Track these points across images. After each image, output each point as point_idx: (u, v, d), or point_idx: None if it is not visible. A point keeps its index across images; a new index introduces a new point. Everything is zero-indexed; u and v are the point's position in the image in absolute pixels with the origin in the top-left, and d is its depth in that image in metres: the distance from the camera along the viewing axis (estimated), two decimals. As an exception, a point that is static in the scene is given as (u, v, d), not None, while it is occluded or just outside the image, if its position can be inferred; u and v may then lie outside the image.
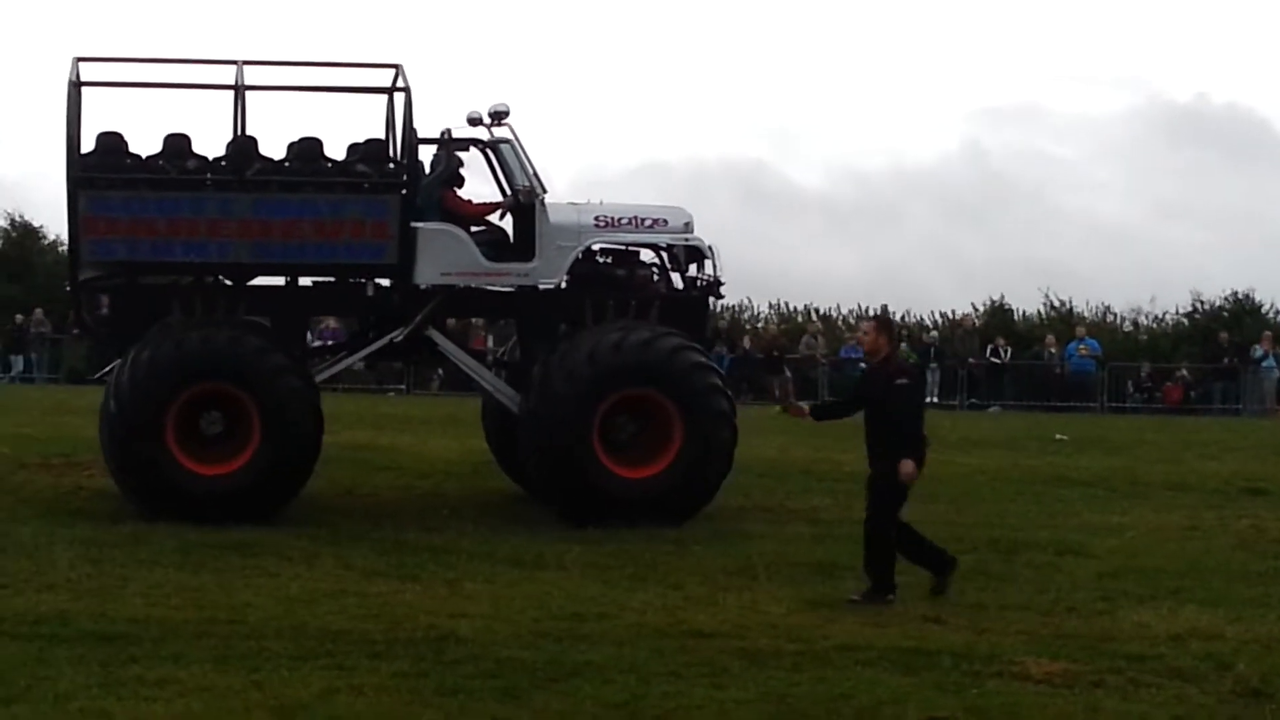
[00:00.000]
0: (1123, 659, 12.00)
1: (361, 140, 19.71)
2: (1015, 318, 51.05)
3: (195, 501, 18.10)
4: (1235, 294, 50.19)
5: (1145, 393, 44.09)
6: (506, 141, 19.94)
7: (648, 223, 20.22)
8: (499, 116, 19.52)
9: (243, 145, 19.11)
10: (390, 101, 19.84)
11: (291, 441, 18.46)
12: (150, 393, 18.29)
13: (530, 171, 19.70)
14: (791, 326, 51.45)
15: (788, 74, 75.66)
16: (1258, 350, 43.22)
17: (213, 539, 16.62)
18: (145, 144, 19.26)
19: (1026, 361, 45.43)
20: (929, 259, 65.46)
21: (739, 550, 16.79)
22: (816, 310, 54.17)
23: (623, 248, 20.35)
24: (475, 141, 20.30)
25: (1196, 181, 67.68)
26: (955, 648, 12.20)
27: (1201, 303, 50.44)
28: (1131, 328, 51.40)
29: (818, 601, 14.10)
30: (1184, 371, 44.19)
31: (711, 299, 20.60)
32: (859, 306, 52.32)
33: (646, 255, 20.62)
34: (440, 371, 38.95)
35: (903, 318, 50.25)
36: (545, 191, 19.78)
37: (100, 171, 18.86)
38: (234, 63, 19.15)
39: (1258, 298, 50.13)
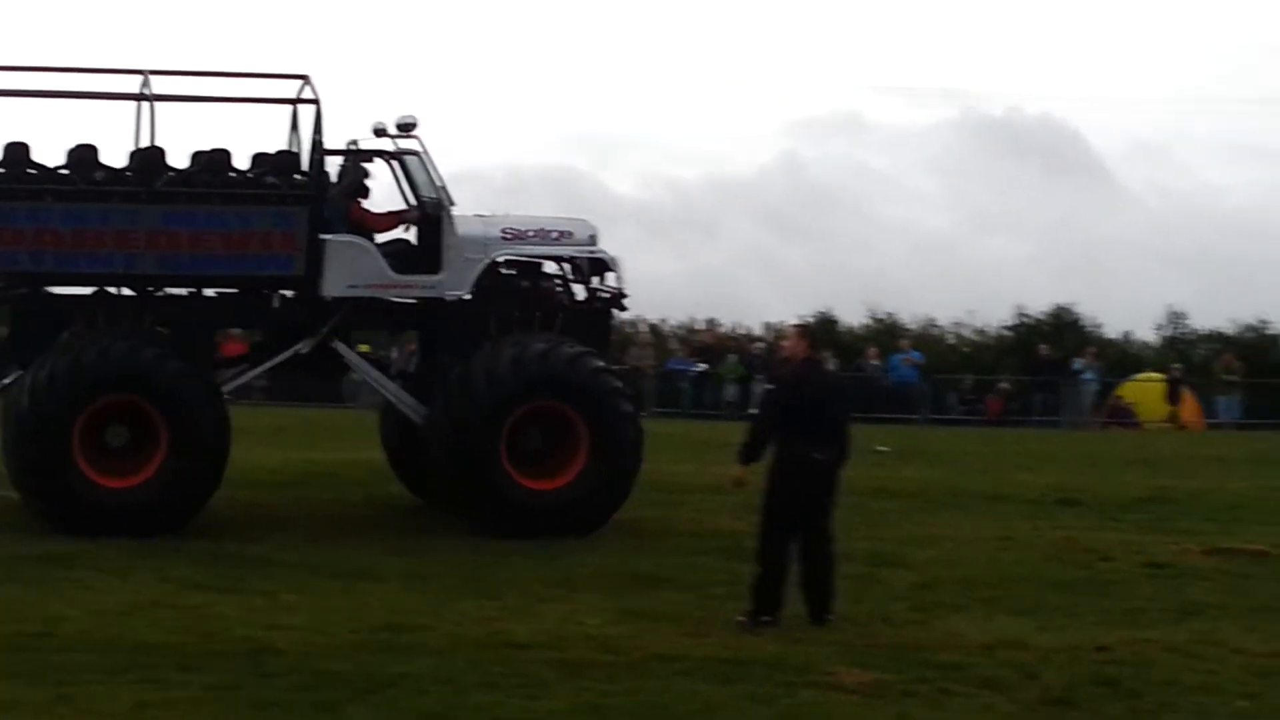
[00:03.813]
0: (934, 668, 12.17)
1: (264, 151, 19.57)
2: (839, 329, 51.45)
3: (101, 515, 17.89)
4: (1056, 307, 50.96)
5: (967, 404, 44.60)
6: (414, 153, 19.83)
7: (554, 235, 20.24)
8: (407, 128, 19.43)
9: (151, 156, 18.92)
10: (294, 113, 19.71)
11: (198, 454, 18.31)
12: (57, 404, 18.08)
13: (438, 183, 19.62)
14: (618, 337, 51.45)
15: (603, 82, 75.85)
16: (1078, 363, 43.93)
17: (31, 550, 16.44)
18: (49, 154, 19.18)
19: (850, 373, 45.83)
20: (751, 270, 65.72)
21: (559, 562, 16.82)
22: (645, 321, 54.27)
23: (526, 259, 20.34)
24: (382, 153, 20.20)
25: (1014, 194, 68.58)
26: (769, 658, 12.32)
27: (1023, 315, 51.15)
28: (954, 340, 52.01)
29: (636, 612, 14.16)
30: (1005, 383, 44.78)
31: (615, 310, 20.72)
32: (689, 318, 52.44)
33: (549, 267, 20.65)
34: (265, 382, 38.56)
35: (732, 329, 50.47)
36: (453, 203, 19.70)
37: (6, 182, 18.66)
38: (140, 72, 19.03)
39: (1078, 310, 50.95)
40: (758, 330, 51.24)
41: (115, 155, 19.08)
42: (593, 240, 20.38)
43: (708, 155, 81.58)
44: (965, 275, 62.45)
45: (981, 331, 52.11)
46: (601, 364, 19.37)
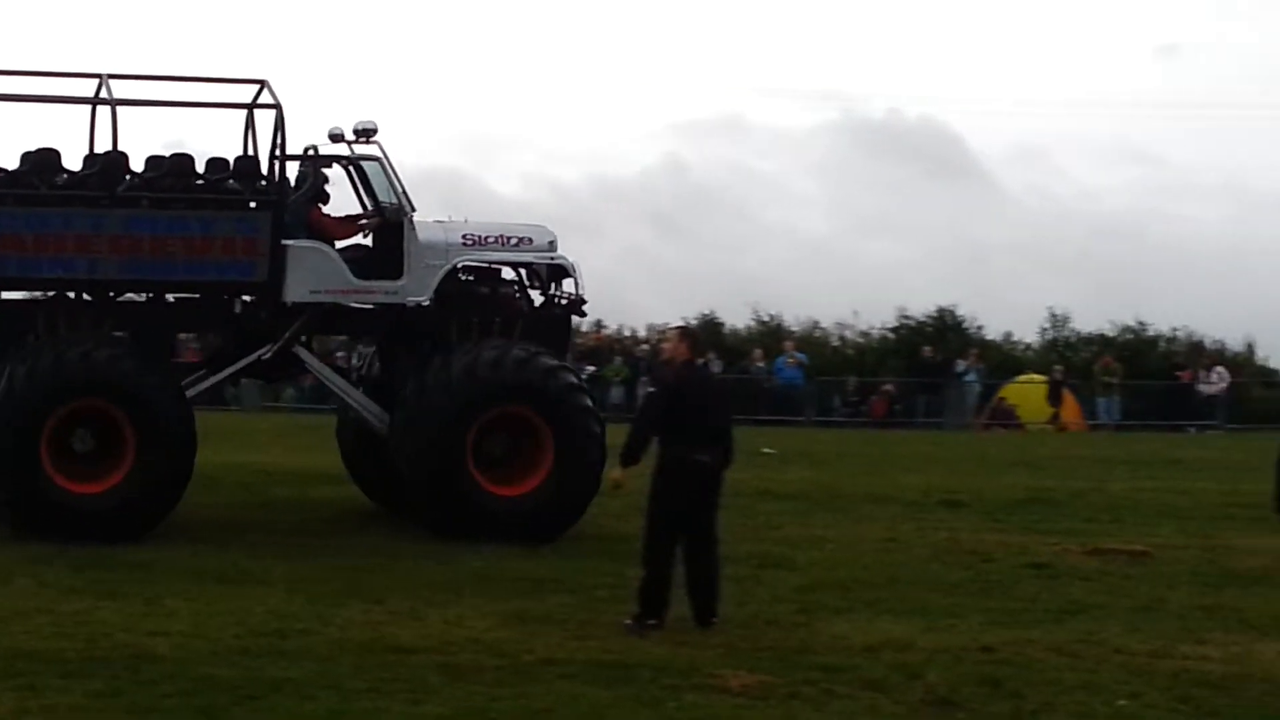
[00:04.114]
0: (818, 670, 12.22)
1: (220, 156, 19.50)
2: (724, 331, 51.56)
3: (69, 520, 17.87)
4: (939, 309, 51.32)
5: (851, 406, 44.89)
6: (375, 159, 19.84)
7: (513, 241, 20.24)
8: (367, 134, 19.53)
9: (113, 160, 18.85)
10: (250, 117, 19.64)
11: (167, 460, 18.31)
12: (30, 408, 18.08)
13: (399, 189, 19.62)
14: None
15: (485, 83, 75.61)
16: (960, 364, 44.29)
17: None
18: (6, 158, 19.20)
19: (735, 375, 45.95)
20: (635, 272, 65.77)
21: (446, 565, 16.76)
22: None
23: (485, 265, 20.35)
24: (344, 158, 20.21)
25: (895, 196, 68.97)
26: (655, 661, 12.32)
27: (906, 318, 51.49)
28: (838, 342, 52.28)
29: (521, 616, 14.12)
30: (889, 385, 45.07)
31: (574, 316, 20.81)
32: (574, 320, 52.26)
33: (505, 273, 20.69)
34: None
35: (616, 331, 50.48)
36: (414, 210, 19.68)
37: None
38: (98, 76, 18.99)
39: (960, 313, 51.33)
40: (642, 332, 51.29)
41: (72, 159, 19.18)
42: (552, 246, 20.40)
43: (591, 156, 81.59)
44: (848, 277, 62.83)
45: (865, 334, 52.43)
46: (577, 380, 19.56)
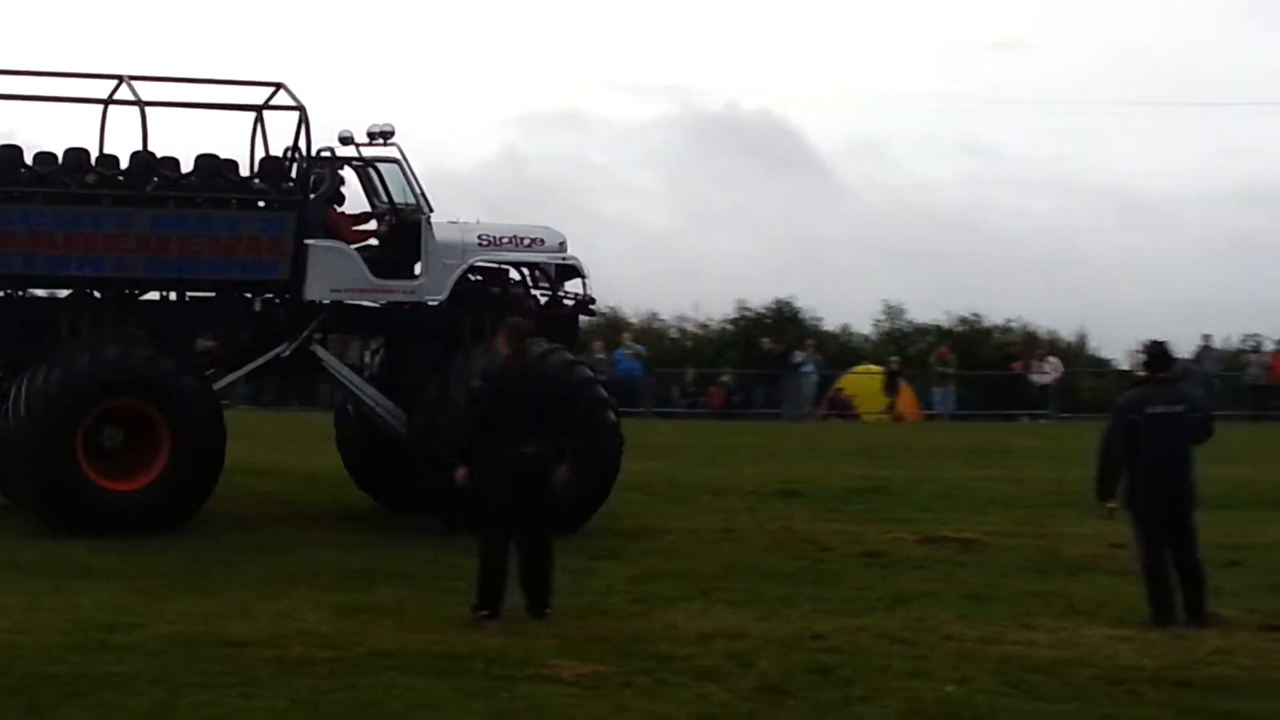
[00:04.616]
0: (651, 659, 12.25)
1: (209, 153, 19.61)
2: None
3: (106, 517, 18.06)
4: (777, 301, 51.59)
5: (690, 397, 45.02)
6: (394, 160, 20.04)
7: (526, 241, 20.57)
8: (385, 136, 19.73)
9: (143, 160, 18.97)
10: (258, 119, 19.90)
11: (200, 456, 18.60)
12: (64, 408, 18.23)
13: (417, 190, 19.87)
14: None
15: (322, 73, 75.15)
16: (798, 356, 44.55)
17: None
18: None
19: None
20: (474, 265, 65.46)
21: (279, 559, 16.67)
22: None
23: (494, 265, 20.58)
24: (363, 159, 20.39)
25: (734, 189, 69.29)
26: (488, 652, 12.29)
27: (745, 309, 51.71)
28: (677, 333, 52.43)
29: (354, 608, 14.05)
30: (727, 377, 45.26)
31: (582, 315, 21.23)
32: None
33: (512, 273, 20.97)
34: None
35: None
36: (432, 210, 19.93)
37: None
38: (118, 77, 19.20)
39: (798, 304, 51.65)
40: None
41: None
42: (562, 247, 20.78)
43: (428, 149, 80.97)
44: (687, 269, 63.03)
45: (704, 325, 52.61)
46: (592, 373, 20.01)
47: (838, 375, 45.49)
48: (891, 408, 43.38)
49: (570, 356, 19.51)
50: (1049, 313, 51.89)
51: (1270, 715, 10.96)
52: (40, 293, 19.80)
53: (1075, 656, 12.55)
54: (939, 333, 50.25)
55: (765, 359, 45.33)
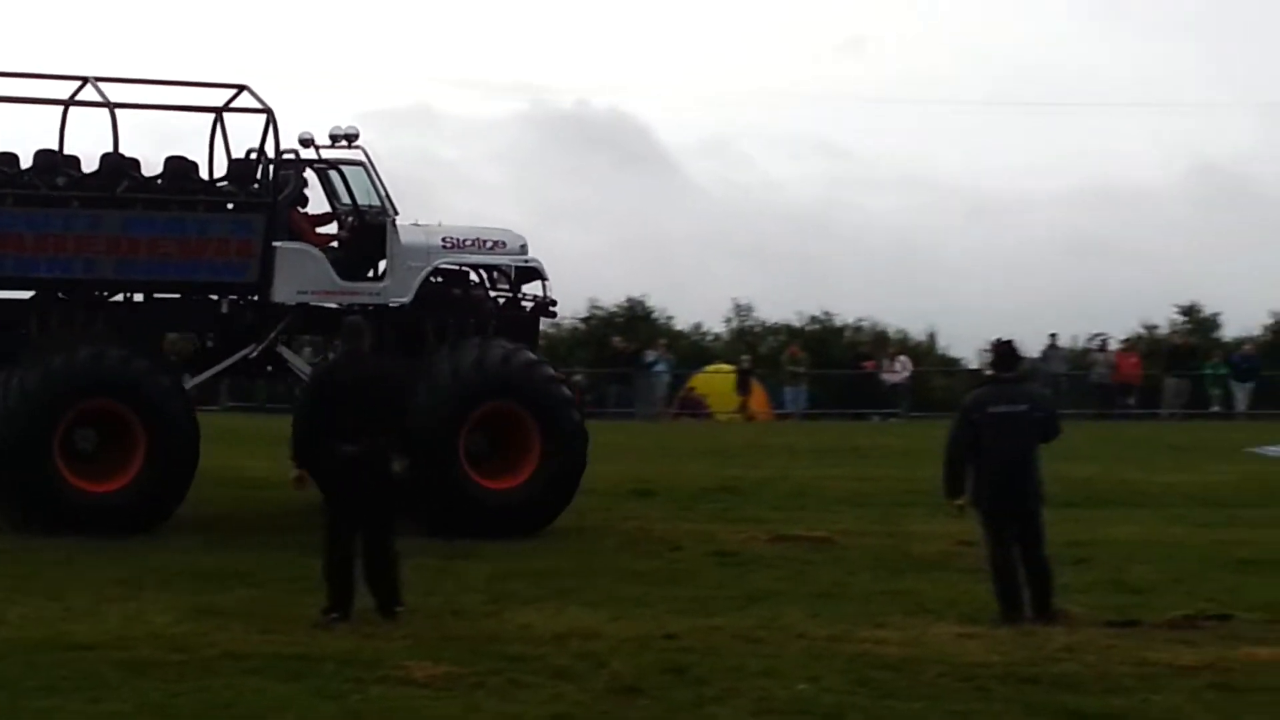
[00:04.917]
0: (505, 660, 12.21)
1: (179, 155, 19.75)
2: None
3: (81, 518, 18.06)
4: (628, 299, 51.69)
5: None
6: (360, 163, 20.19)
7: (489, 244, 20.75)
8: (351, 138, 19.92)
9: (113, 162, 19.09)
10: (218, 121, 20.01)
11: (175, 456, 18.66)
12: (41, 410, 18.25)
13: (383, 192, 20.04)
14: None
15: (169, 67, 74.47)
16: (650, 355, 44.66)
17: None
18: None
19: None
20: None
21: (127, 560, 16.46)
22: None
23: (456, 268, 20.73)
24: (329, 162, 20.49)
25: (584, 187, 69.38)
26: (340, 653, 12.21)
27: (596, 308, 51.75)
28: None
29: (205, 610, 13.90)
30: (579, 376, 45.27)
31: (543, 317, 21.47)
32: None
33: (471, 275, 21.15)
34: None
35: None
36: (397, 213, 20.08)
37: None
38: (83, 79, 19.22)
39: (649, 303, 51.76)
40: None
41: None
42: (523, 249, 20.96)
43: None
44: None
45: (555, 324, 52.51)
46: (555, 373, 20.38)
47: (690, 374, 45.70)
48: (743, 407, 43.63)
49: (533, 357, 19.86)
50: (899, 312, 52.41)
51: (1115, 710, 11.10)
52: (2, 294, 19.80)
53: (924, 654, 12.65)
54: (790, 332, 50.56)
55: (617, 358, 45.43)
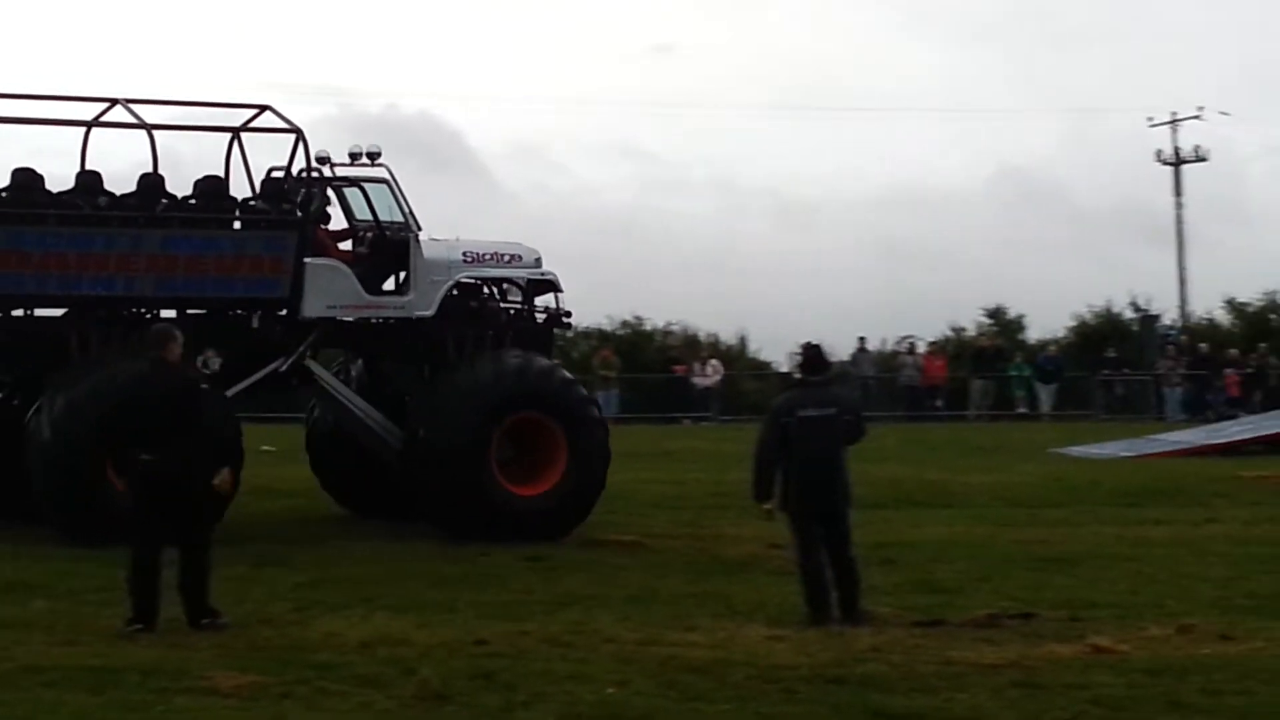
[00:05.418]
0: (312, 668, 12.11)
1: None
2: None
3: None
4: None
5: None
6: (384, 180, 20.66)
7: (506, 258, 21.33)
8: (374, 156, 20.36)
9: (152, 182, 19.43)
10: (234, 140, 20.47)
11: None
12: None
13: (406, 209, 20.57)
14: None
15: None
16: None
17: None
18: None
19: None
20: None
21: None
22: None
23: (474, 281, 21.24)
24: (352, 180, 20.89)
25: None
26: (144, 664, 12.05)
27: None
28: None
29: (3, 622, 13.68)
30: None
31: (556, 329, 22.00)
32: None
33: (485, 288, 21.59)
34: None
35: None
36: (420, 229, 20.60)
37: (14, 207, 18.98)
38: (113, 100, 19.70)
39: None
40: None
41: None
42: (538, 263, 21.52)
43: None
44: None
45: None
46: (573, 379, 20.97)
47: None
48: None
49: (553, 364, 20.64)
50: (710, 315, 52.61)
51: (919, 709, 11.22)
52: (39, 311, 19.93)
53: (733, 656, 12.72)
54: (601, 336, 50.56)
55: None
